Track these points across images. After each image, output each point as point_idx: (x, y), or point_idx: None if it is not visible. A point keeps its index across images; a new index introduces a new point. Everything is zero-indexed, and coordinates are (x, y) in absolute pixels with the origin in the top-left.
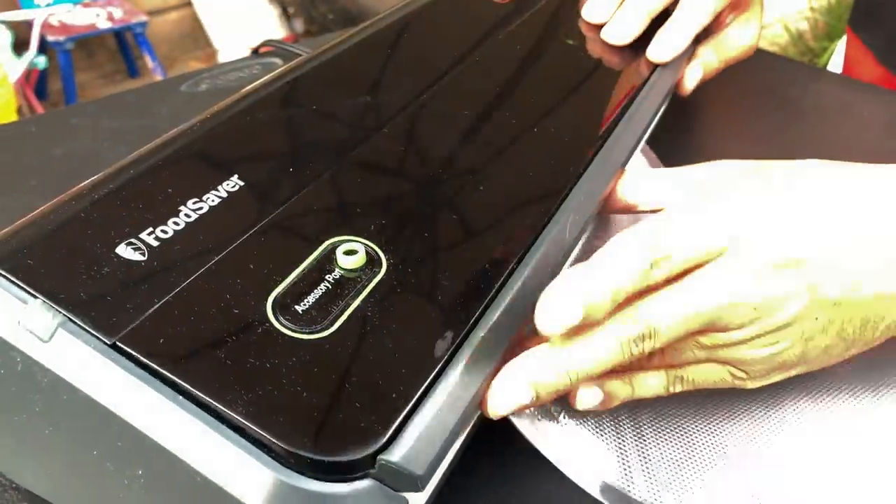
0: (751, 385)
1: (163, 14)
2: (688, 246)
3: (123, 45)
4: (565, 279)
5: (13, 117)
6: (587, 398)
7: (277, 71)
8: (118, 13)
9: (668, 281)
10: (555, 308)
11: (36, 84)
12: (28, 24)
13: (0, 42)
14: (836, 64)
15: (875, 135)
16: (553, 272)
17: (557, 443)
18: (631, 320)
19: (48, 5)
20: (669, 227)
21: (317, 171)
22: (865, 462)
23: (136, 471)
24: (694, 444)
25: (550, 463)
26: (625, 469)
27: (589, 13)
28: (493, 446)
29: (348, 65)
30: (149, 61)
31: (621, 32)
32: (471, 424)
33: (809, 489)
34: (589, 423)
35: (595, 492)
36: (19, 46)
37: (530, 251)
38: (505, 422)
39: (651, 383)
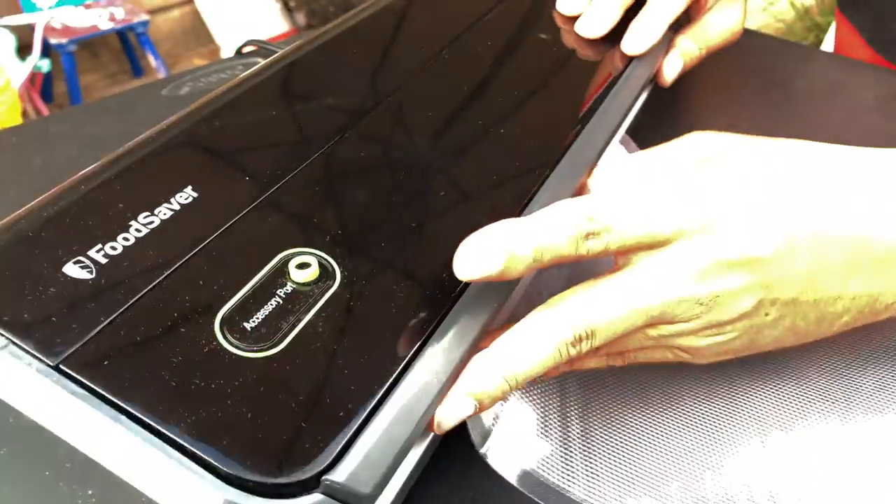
0: (697, 362)
1: (165, 12)
2: (633, 226)
3: (127, 45)
4: (491, 227)
5: (18, 121)
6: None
7: (235, 79)
8: (120, 13)
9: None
10: (475, 254)
11: (41, 87)
12: (30, 28)
13: (3, 46)
14: (828, 45)
15: (868, 114)
16: (512, 287)
17: (506, 453)
18: (568, 322)
19: (50, 8)
20: (618, 202)
21: (273, 180)
22: (838, 471)
23: (87, 490)
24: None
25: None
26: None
27: (563, 5)
28: (460, 455)
29: (308, 70)
30: (152, 60)
31: (595, 25)
32: (427, 440)
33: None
34: (536, 425)
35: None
36: (22, 50)
37: None
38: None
39: (590, 365)
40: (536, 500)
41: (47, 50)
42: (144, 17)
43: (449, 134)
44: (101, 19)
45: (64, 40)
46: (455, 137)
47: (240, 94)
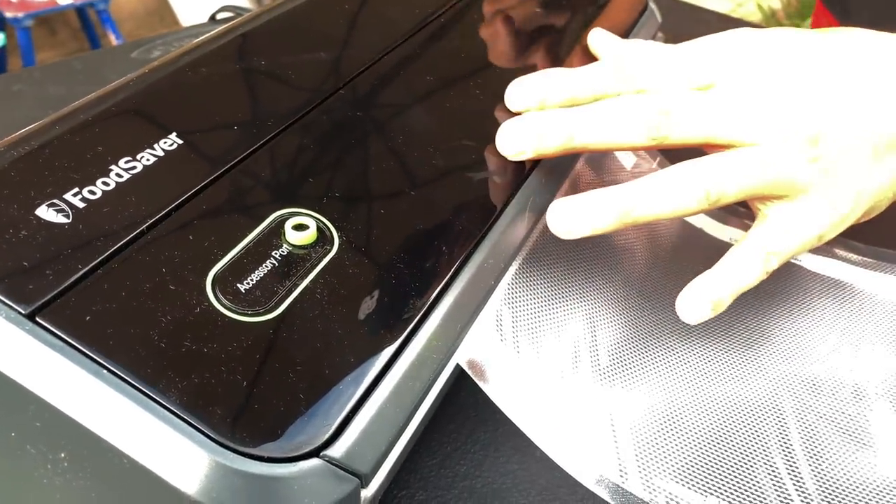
0: None
1: None
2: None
3: (86, 22)
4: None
5: None
6: None
7: (224, 27)
8: None
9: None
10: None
11: None
12: None
13: None
14: None
15: None
16: (511, 256)
17: (551, 433)
18: (703, 185)
19: None
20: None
21: (265, 133)
22: None
23: (59, 454)
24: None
25: (533, 448)
26: (619, 462)
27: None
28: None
29: (302, 22)
30: (113, 39)
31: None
32: (423, 414)
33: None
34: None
35: (590, 484)
36: None
37: (487, 235)
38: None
39: None
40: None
41: (2, 24)
42: None
43: (452, 105)
44: None
45: (20, 14)
46: (458, 108)
47: (229, 42)
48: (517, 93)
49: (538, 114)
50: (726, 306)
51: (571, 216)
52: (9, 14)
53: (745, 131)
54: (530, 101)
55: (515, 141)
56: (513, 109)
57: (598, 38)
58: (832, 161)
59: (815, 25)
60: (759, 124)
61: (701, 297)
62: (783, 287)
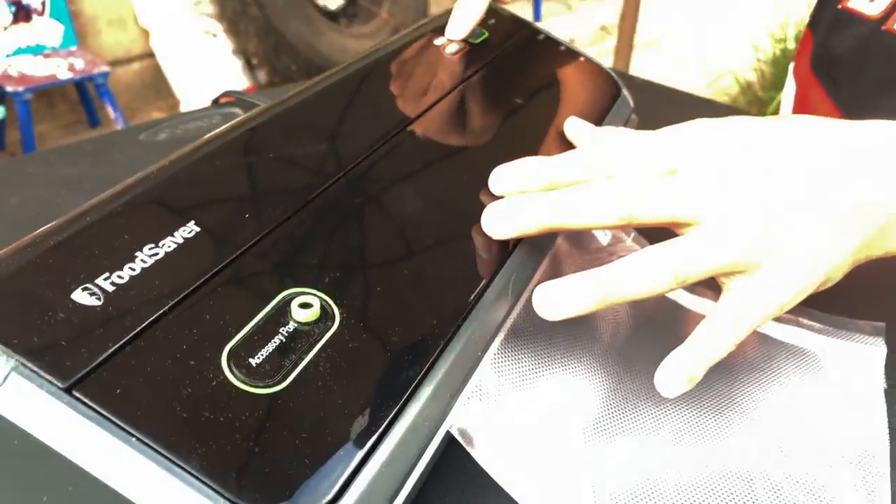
0: None
1: (125, 64)
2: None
3: (84, 96)
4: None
5: None
6: None
7: (236, 120)
8: (80, 64)
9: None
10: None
11: None
12: None
13: None
14: (786, 110)
15: None
16: (496, 328)
17: (535, 494)
18: (671, 269)
19: (8, 56)
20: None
21: (273, 220)
22: None
23: None
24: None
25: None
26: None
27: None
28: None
29: (306, 115)
30: (110, 111)
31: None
32: (420, 471)
33: None
34: (556, 462)
35: None
36: None
37: (474, 310)
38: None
39: None
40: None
41: (2, 97)
42: (105, 68)
43: (443, 187)
44: (59, 69)
45: (20, 88)
46: (449, 191)
47: (240, 134)
48: (499, 178)
49: (519, 198)
50: (701, 377)
51: (555, 300)
52: (10, 88)
53: (705, 212)
54: (512, 187)
55: (498, 223)
56: (496, 193)
57: (574, 126)
58: (787, 237)
59: (801, 96)
60: (716, 205)
61: (677, 373)
62: (750, 354)
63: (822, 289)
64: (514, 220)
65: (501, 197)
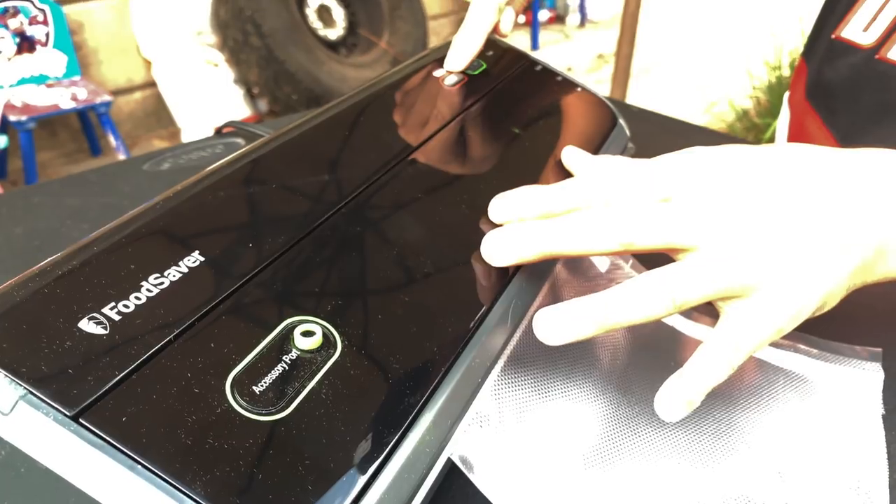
0: None
1: (127, 94)
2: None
3: (86, 124)
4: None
5: None
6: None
7: (239, 151)
8: (82, 93)
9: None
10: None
11: None
12: None
13: None
14: (781, 137)
15: None
16: (496, 355)
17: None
18: (669, 295)
19: (11, 86)
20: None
21: (276, 249)
22: None
23: None
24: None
25: None
26: None
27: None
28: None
29: (308, 146)
30: (112, 140)
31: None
32: (420, 500)
33: None
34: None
35: None
36: None
37: (475, 336)
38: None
39: None
40: None
41: (5, 126)
42: (107, 97)
43: (444, 216)
44: (62, 98)
45: (23, 118)
46: (449, 220)
47: (244, 165)
48: (498, 207)
49: (518, 226)
50: (700, 402)
51: (556, 325)
52: (13, 118)
53: (701, 237)
54: (511, 215)
55: (498, 251)
56: (495, 222)
57: (571, 155)
58: (783, 261)
59: (797, 124)
60: (713, 230)
61: (676, 398)
62: (749, 380)
63: (818, 313)
64: (512, 247)
65: (501, 225)
